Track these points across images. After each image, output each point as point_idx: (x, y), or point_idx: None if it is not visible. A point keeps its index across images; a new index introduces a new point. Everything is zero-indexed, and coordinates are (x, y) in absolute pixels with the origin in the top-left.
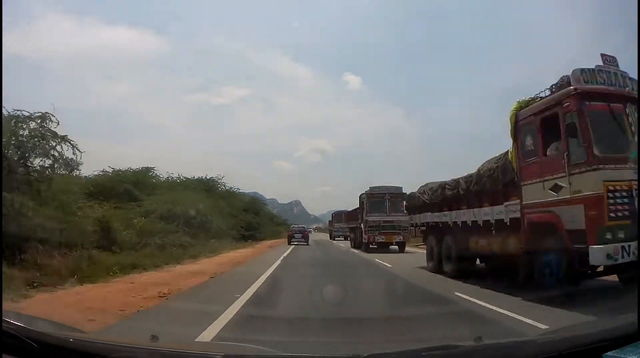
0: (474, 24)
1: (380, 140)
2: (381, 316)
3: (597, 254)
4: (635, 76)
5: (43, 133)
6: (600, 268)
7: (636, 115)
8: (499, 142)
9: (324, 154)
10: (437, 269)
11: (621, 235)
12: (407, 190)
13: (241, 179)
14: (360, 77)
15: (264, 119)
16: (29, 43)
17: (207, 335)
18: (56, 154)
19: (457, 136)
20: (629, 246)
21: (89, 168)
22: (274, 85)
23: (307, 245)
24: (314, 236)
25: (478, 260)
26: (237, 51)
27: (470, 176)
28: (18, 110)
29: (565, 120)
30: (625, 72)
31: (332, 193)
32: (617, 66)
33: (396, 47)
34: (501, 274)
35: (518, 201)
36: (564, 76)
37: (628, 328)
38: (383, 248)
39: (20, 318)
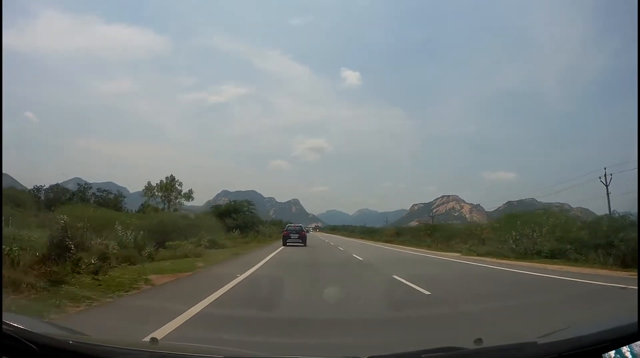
0: (474, 23)
1: (379, 139)
2: None
3: None
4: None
5: None
6: None
7: None
8: (499, 141)
9: (322, 153)
10: None
11: None
12: (410, 190)
13: (238, 178)
14: (358, 73)
15: (261, 117)
16: (27, 40)
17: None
18: None
19: (457, 136)
20: None
21: (89, 167)
22: (271, 82)
23: (305, 246)
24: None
25: None
26: (234, 48)
27: None
28: None
29: None
30: None
31: (330, 193)
32: None
33: (395, 44)
34: None
35: None
36: None
37: (628, 328)
38: None
39: (20, 320)
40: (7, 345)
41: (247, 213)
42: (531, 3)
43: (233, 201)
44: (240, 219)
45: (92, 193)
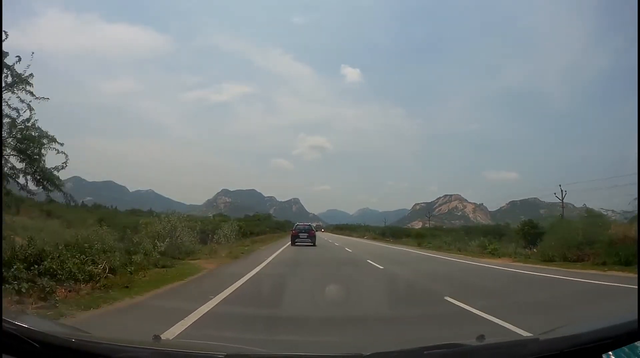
0: (476, 22)
1: (380, 138)
2: None
3: None
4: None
5: None
6: None
7: None
8: (501, 141)
9: (324, 151)
10: None
11: None
12: (412, 190)
13: (240, 177)
14: (359, 70)
15: (263, 116)
16: (28, 40)
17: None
18: None
19: (459, 135)
20: None
21: (89, 166)
22: (272, 81)
23: (314, 245)
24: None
25: None
26: (236, 46)
27: None
28: None
29: None
30: None
31: (331, 192)
32: None
33: (397, 42)
34: None
35: None
36: None
37: (628, 326)
38: None
39: (21, 318)
40: (9, 343)
41: None
42: (533, 2)
43: None
44: None
45: None
